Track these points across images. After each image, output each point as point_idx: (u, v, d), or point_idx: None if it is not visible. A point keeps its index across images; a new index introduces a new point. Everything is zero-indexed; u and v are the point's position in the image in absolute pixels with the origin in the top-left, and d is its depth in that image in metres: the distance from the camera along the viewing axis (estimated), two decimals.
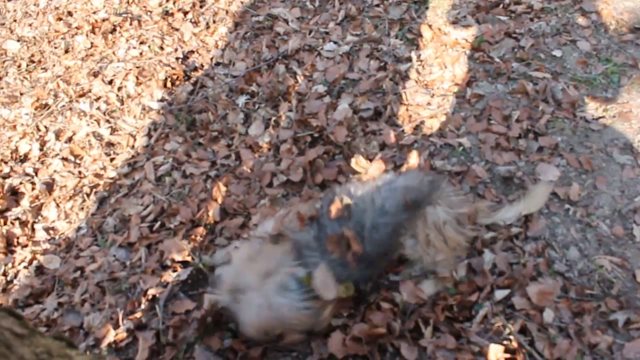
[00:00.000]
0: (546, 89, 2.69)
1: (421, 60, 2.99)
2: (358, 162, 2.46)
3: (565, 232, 2.18)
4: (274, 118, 2.81)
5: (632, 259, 2.09)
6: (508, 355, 1.84)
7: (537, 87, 2.73)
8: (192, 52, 3.40)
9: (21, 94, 3.39)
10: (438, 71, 2.91)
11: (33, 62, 3.63)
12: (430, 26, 3.14)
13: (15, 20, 3.99)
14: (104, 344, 2.08)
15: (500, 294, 1.99)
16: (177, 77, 3.22)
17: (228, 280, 1.85)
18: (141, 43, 3.52)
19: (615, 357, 1.84)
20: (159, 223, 2.48)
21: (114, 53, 3.51)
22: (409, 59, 2.99)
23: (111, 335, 2.10)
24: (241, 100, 2.97)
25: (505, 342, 1.88)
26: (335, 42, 3.16)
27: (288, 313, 1.78)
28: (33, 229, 2.68)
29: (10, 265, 2.54)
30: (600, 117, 2.61)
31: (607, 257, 2.10)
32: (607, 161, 2.42)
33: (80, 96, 3.27)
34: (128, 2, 3.84)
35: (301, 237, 1.93)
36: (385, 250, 2.01)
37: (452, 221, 1.97)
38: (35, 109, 3.25)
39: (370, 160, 2.45)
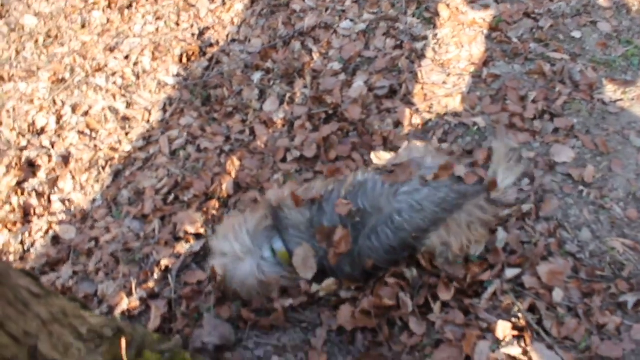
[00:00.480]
0: (564, 70, 2.66)
1: (438, 40, 2.97)
2: (378, 156, 2.24)
3: (578, 214, 2.17)
4: (288, 94, 2.82)
5: None
6: (516, 333, 1.85)
7: (554, 68, 2.69)
8: (208, 28, 3.40)
9: (38, 69, 3.42)
10: (455, 50, 2.88)
11: (50, 37, 3.65)
12: (447, 5, 3.11)
13: None
14: (117, 312, 2.12)
15: (510, 273, 1.99)
16: (193, 53, 3.23)
17: (215, 247, 1.97)
18: (157, 19, 3.53)
19: (623, 337, 1.83)
20: (172, 196, 2.51)
21: (130, 29, 3.52)
22: (426, 38, 2.97)
23: (124, 304, 2.15)
24: (256, 76, 2.97)
25: (513, 320, 1.88)
26: (351, 20, 3.14)
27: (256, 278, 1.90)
28: (49, 200, 2.72)
29: (27, 234, 2.59)
30: (618, 100, 2.58)
31: (619, 240, 2.09)
32: (623, 144, 2.40)
33: (97, 71, 3.29)
34: None
35: (293, 216, 1.94)
36: (378, 258, 1.93)
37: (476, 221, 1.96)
38: (52, 83, 3.28)
39: (386, 140, 2.45)
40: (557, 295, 1.94)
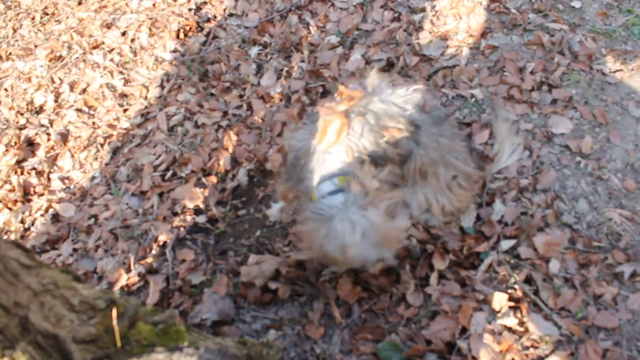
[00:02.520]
0: (563, 40, 2.62)
1: (436, 11, 2.93)
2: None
3: (576, 185, 2.16)
4: (286, 69, 2.80)
5: None
6: (512, 304, 1.86)
7: (553, 39, 2.66)
8: (204, 3, 3.36)
9: (35, 46, 3.41)
10: (452, 22, 2.84)
11: (47, 14, 3.63)
12: None
13: None
14: (116, 287, 2.14)
15: (506, 244, 1.99)
16: (190, 28, 3.21)
17: None
18: None
19: (619, 308, 1.84)
20: (170, 172, 2.52)
21: (127, 4, 3.49)
22: (423, 10, 2.93)
23: (123, 279, 2.17)
24: (253, 51, 2.95)
25: (509, 291, 1.89)
26: None
27: None
28: (49, 179, 2.73)
29: (27, 213, 2.61)
30: (617, 70, 2.54)
31: (616, 210, 2.08)
32: (622, 115, 2.37)
33: (94, 48, 3.28)
34: None
35: None
36: None
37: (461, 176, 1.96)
38: (50, 60, 3.27)
39: None
40: (554, 266, 1.95)
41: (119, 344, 1.26)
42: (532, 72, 2.52)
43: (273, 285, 1.95)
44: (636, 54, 2.58)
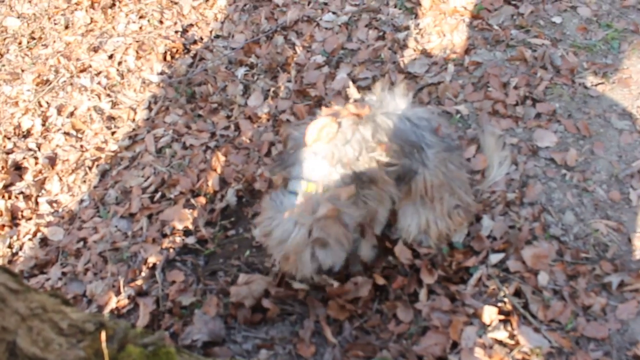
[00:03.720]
0: (545, 55, 2.67)
1: (420, 29, 2.97)
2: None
3: (562, 197, 2.19)
4: (272, 89, 2.82)
5: (628, 223, 2.09)
6: (502, 317, 1.87)
7: (535, 54, 2.71)
8: (191, 25, 3.39)
9: (22, 71, 3.41)
10: (437, 39, 2.89)
11: (34, 38, 3.64)
12: None
13: None
14: (106, 310, 2.13)
15: (495, 258, 2.01)
16: (177, 51, 3.23)
17: None
18: (140, 17, 3.52)
19: (609, 318, 1.85)
20: (159, 194, 2.52)
21: (113, 28, 3.51)
22: (408, 28, 2.97)
23: (113, 302, 2.15)
24: (240, 71, 2.97)
25: (499, 305, 1.90)
26: (334, 13, 3.14)
27: None
28: (37, 203, 2.72)
29: (15, 237, 2.59)
30: (599, 84, 2.59)
31: (603, 221, 2.11)
32: (605, 127, 2.41)
33: (81, 71, 3.29)
34: None
35: None
36: None
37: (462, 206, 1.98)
38: (37, 85, 3.27)
39: None
40: (543, 278, 1.96)
41: None
42: (515, 87, 2.56)
43: (263, 305, 1.94)
44: (616, 67, 2.63)
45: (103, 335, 1.24)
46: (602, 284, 1.94)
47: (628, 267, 1.97)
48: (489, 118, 2.45)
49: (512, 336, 1.83)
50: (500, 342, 1.82)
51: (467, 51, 2.79)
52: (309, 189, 1.70)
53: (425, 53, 2.84)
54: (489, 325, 1.85)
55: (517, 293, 1.94)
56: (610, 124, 2.42)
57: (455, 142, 2.12)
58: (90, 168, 2.77)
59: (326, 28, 3.08)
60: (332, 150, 1.71)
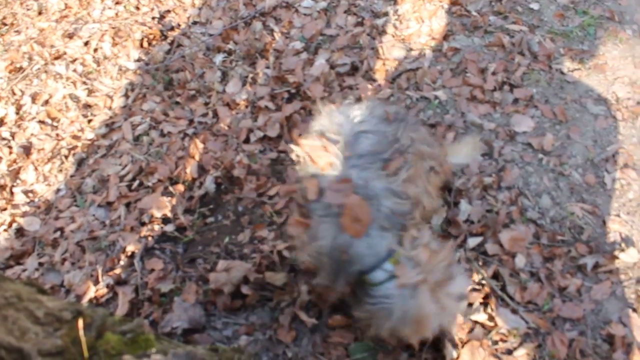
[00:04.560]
0: (522, 41, 2.69)
1: (398, 15, 2.97)
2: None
3: (539, 181, 2.21)
4: (251, 75, 2.80)
5: (603, 206, 2.13)
6: (481, 300, 1.89)
7: (513, 40, 2.72)
8: (168, 11, 3.34)
9: None
10: (415, 25, 2.89)
11: (5, 24, 3.55)
12: None
13: None
14: (85, 300, 2.10)
15: (473, 241, 2.03)
16: (154, 37, 3.18)
17: None
18: (116, 3, 3.46)
19: (584, 298, 1.89)
20: (137, 182, 2.49)
21: (89, 14, 3.44)
22: (386, 14, 2.97)
23: (92, 292, 2.13)
24: (218, 58, 2.94)
25: (478, 287, 1.92)
26: None
27: None
28: (12, 193, 2.67)
29: None
30: (575, 69, 2.62)
31: (578, 205, 2.14)
32: (581, 112, 2.44)
33: (56, 58, 3.22)
34: None
35: None
36: None
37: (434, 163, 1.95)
38: (10, 72, 3.20)
39: None
40: (520, 261, 1.99)
41: (86, 354, 1.24)
42: (493, 73, 2.57)
43: (242, 291, 1.94)
44: (592, 54, 2.66)
45: (80, 323, 1.22)
46: (577, 265, 1.98)
47: (602, 249, 2.01)
48: (467, 104, 2.46)
49: (491, 318, 1.86)
50: (480, 324, 1.85)
51: (445, 37, 2.79)
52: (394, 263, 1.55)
53: (404, 39, 2.83)
54: (469, 307, 1.88)
55: (495, 276, 1.96)
56: (586, 109, 2.45)
57: (400, 110, 2.09)
58: (66, 157, 2.73)
59: (305, 14, 3.06)
60: None
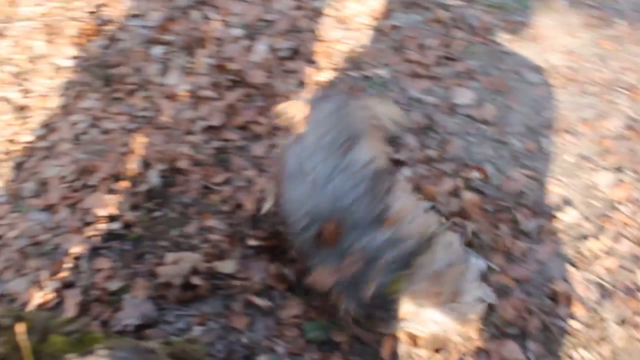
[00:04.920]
0: (460, 16, 2.72)
1: None
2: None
3: (481, 151, 2.25)
4: (191, 65, 2.74)
5: (542, 170, 2.19)
6: None
7: (451, 14, 2.75)
8: (103, 5, 3.24)
9: None
10: (355, 6, 2.89)
11: None
12: None
13: None
14: (31, 307, 2.04)
15: None
16: (90, 32, 3.08)
17: None
18: None
19: (529, 260, 1.94)
20: (80, 182, 2.41)
21: (17, 11, 3.31)
22: None
23: (38, 298, 2.06)
24: (157, 50, 2.87)
25: None
26: None
27: None
28: None
29: None
30: (513, 40, 2.67)
31: (520, 170, 2.19)
32: (519, 81, 2.50)
33: None
34: None
35: None
36: None
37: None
38: None
39: None
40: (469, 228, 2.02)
41: (30, 359, 1.20)
42: (433, 48, 2.59)
43: (193, 282, 1.91)
44: (526, 25, 2.72)
45: (20, 328, 1.19)
46: (521, 229, 2.02)
47: (544, 211, 2.06)
48: (408, 80, 2.48)
49: None
50: None
51: (385, 15, 2.80)
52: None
53: (344, 19, 2.83)
54: None
55: None
56: (523, 78, 2.50)
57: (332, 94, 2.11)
58: (3, 162, 2.63)
59: (243, 0, 3.01)
60: None
